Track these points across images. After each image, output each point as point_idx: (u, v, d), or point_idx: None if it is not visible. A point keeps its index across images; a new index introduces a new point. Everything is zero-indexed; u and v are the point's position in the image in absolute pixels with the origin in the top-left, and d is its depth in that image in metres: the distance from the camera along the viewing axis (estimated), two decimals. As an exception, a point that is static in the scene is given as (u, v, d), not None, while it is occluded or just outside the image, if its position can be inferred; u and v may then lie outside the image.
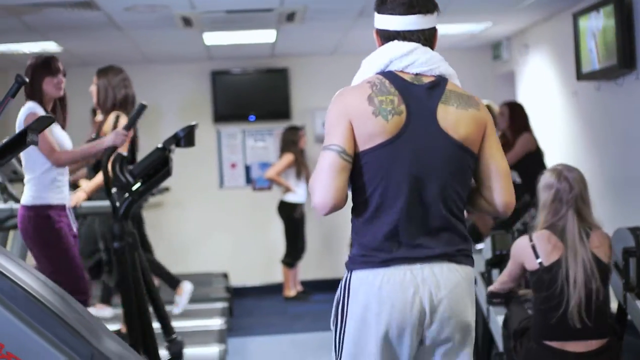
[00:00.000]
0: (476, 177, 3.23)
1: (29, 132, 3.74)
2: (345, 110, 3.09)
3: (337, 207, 3.07)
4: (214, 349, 6.50)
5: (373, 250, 3.09)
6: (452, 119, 3.12)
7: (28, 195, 5.54)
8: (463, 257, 3.15)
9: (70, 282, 5.52)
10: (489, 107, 8.57)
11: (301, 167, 10.46)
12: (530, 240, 4.66)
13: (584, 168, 7.95)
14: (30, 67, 5.52)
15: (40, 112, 5.43)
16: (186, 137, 5.21)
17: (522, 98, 10.06)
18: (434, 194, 3.09)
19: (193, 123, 5.38)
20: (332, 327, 3.18)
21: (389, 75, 3.14)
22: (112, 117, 6.64)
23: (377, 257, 3.08)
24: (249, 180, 11.43)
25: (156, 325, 5.63)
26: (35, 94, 5.50)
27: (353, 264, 3.13)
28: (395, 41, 3.18)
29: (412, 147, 3.08)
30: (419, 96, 3.12)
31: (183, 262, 11.17)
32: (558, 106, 9.09)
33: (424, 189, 3.09)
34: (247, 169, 11.45)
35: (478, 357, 6.32)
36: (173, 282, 7.41)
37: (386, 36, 3.21)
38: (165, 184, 7.43)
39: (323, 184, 3.05)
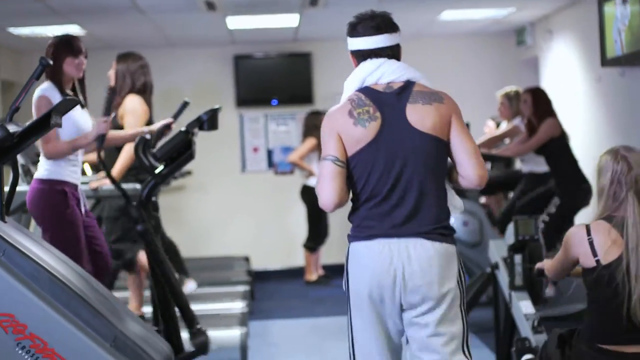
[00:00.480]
0: (451, 158, 3.80)
1: (53, 115, 3.74)
2: (333, 126, 3.77)
3: (339, 204, 3.75)
4: (236, 332, 6.51)
5: (362, 228, 3.77)
6: (419, 114, 3.74)
7: (44, 169, 5.48)
8: (438, 235, 3.73)
9: (78, 262, 5.53)
10: (517, 93, 8.52)
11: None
12: (588, 234, 4.12)
13: (608, 154, 7.93)
14: (52, 47, 5.48)
15: (54, 95, 5.40)
16: (209, 121, 5.20)
17: (545, 84, 10.01)
18: (411, 181, 3.73)
19: (216, 106, 5.38)
20: (344, 288, 3.84)
21: (365, 90, 3.81)
22: (127, 100, 6.66)
23: (364, 233, 3.75)
24: (270, 164, 11.44)
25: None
26: (55, 74, 5.47)
27: (350, 238, 3.82)
28: (368, 60, 3.84)
29: (389, 144, 3.72)
30: (390, 102, 3.77)
31: (205, 245, 11.21)
32: (582, 92, 9.05)
33: (402, 178, 3.72)
34: (269, 153, 11.46)
35: (500, 341, 6.32)
36: None
37: (361, 55, 3.87)
38: (187, 167, 7.44)
39: (325, 188, 3.73)
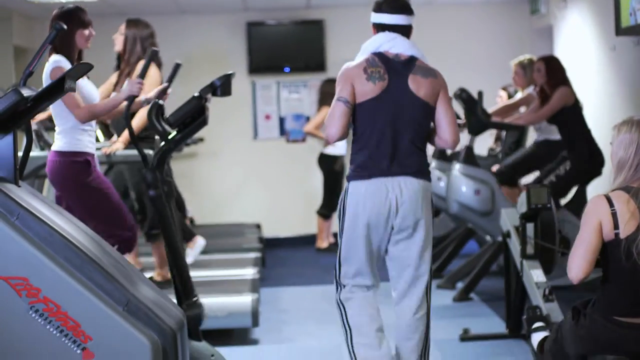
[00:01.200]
0: (434, 122, 4.90)
1: (67, 79, 3.74)
2: (350, 75, 4.83)
3: (341, 138, 4.81)
4: (247, 298, 6.54)
5: (362, 168, 4.81)
6: (417, 83, 4.83)
7: (64, 142, 5.54)
8: (420, 174, 4.84)
9: (115, 222, 5.59)
10: (531, 62, 8.46)
11: None
12: (611, 205, 4.03)
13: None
14: (61, 19, 5.46)
15: (67, 65, 5.43)
16: (223, 86, 5.17)
17: (559, 53, 9.97)
18: (402, 132, 4.81)
19: (230, 72, 5.35)
20: (337, 219, 4.97)
21: (379, 54, 4.87)
22: (139, 67, 6.60)
23: (364, 172, 4.80)
24: (283, 131, 11.44)
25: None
26: (64, 47, 5.50)
27: (349, 177, 4.87)
28: (385, 32, 4.91)
29: (390, 101, 4.79)
30: (397, 68, 4.84)
31: (216, 212, 11.23)
32: (596, 61, 9.01)
33: (396, 129, 4.80)
34: (281, 121, 11.45)
35: (510, 310, 6.33)
36: (188, 234, 7.46)
37: (380, 28, 4.95)
38: (199, 134, 7.44)
39: (334, 124, 4.76)
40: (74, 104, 5.42)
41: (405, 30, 4.93)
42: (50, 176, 5.62)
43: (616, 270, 4.05)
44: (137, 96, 5.38)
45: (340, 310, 5.00)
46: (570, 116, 7.67)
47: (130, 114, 5.45)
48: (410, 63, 4.85)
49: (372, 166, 4.79)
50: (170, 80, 5.47)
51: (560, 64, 7.88)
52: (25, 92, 3.72)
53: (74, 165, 5.52)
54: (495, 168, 8.54)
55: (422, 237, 4.84)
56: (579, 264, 4.02)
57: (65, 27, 4.45)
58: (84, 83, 5.58)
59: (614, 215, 3.99)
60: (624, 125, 4.12)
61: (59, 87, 3.77)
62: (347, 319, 4.96)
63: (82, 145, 5.56)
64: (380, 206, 4.76)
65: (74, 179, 5.54)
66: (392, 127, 4.79)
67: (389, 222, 4.79)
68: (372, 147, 4.80)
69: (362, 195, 4.77)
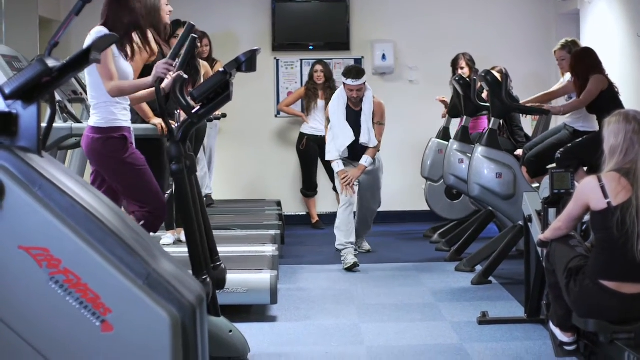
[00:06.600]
0: None
1: (92, 50, 3.72)
2: None
3: None
4: (266, 275, 6.53)
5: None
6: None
7: (100, 117, 5.52)
8: None
9: (150, 198, 5.58)
10: (575, 43, 8.36)
11: (310, 101, 10.75)
12: (600, 180, 4.62)
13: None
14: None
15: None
16: (248, 62, 5.13)
17: (586, 38, 9.90)
18: None
19: (255, 48, 5.32)
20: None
21: None
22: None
23: None
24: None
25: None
26: (110, 20, 5.51)
27: None
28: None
29: None
30: None
31: (237, 188, 11.23)
32: (622, 46, 8.94)
33: None
34: (304, 98, 11.42)
35: (530, 294, 6.31)
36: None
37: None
38: (222, 110, 7.43)
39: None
40: (108, 75, 5.42)
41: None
42: (86, 152, 5.61)
43: (607, 239, 4.60)
44: (164, 78, 5.33)
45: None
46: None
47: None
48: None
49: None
50: (182, 44, 5.36)
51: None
52: (50, 63, 3.69)
53: (111, 142, 5.51)
54: (518, 152, 8.48)
55: None
56: (557, 225, 4.95)
57: (91, -1, 4.43)
58: (119, 59, 5.57)
59: (603, 187, 4.59)
60: (614, 117, 4.73)
61: (84, 58, 3.74)
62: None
63: (118, 120, 5.54)
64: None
65: (110, 155, 5.52)
66: None
67: None
68: None
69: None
